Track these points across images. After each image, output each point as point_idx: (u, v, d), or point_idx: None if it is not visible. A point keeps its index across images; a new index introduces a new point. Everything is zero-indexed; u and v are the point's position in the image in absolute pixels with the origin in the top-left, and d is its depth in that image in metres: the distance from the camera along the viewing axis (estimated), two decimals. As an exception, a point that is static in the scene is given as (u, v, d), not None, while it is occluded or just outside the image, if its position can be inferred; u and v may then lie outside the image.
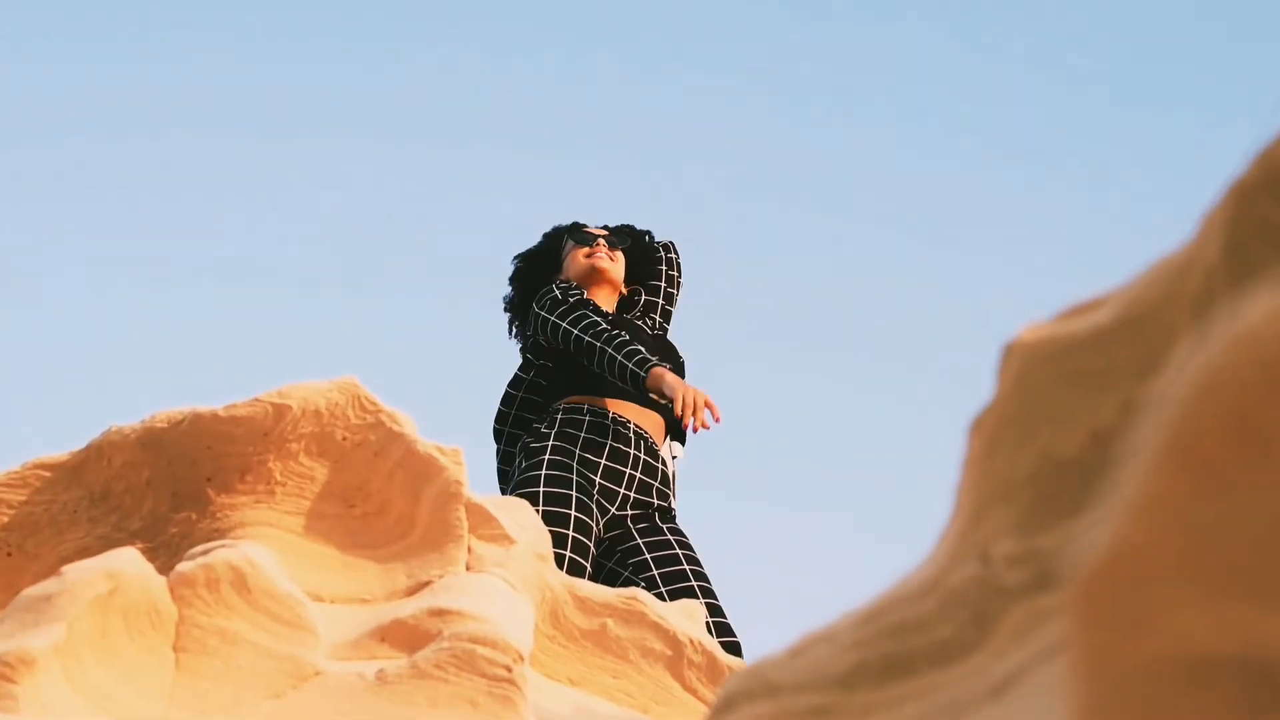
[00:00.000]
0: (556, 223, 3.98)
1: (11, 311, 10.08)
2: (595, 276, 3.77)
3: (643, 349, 3.33)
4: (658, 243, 3.95)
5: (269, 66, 10.91)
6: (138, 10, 10.51)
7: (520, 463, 3.38)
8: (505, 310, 3.94)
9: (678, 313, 3.95)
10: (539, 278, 3.85)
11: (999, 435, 0.79)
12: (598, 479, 3.33)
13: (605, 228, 3.96)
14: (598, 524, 3.26)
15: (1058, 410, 0.78)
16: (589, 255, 3.80)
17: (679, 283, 3.92)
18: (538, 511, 3.12)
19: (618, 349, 3.29)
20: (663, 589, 3.16)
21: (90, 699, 1.74)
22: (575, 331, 3.40)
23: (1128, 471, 0.39)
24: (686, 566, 3.23)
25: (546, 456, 3.30)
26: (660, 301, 3.86)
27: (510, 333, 3.90)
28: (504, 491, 3.49)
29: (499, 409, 3.64)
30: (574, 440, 3.36)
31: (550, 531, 3.04)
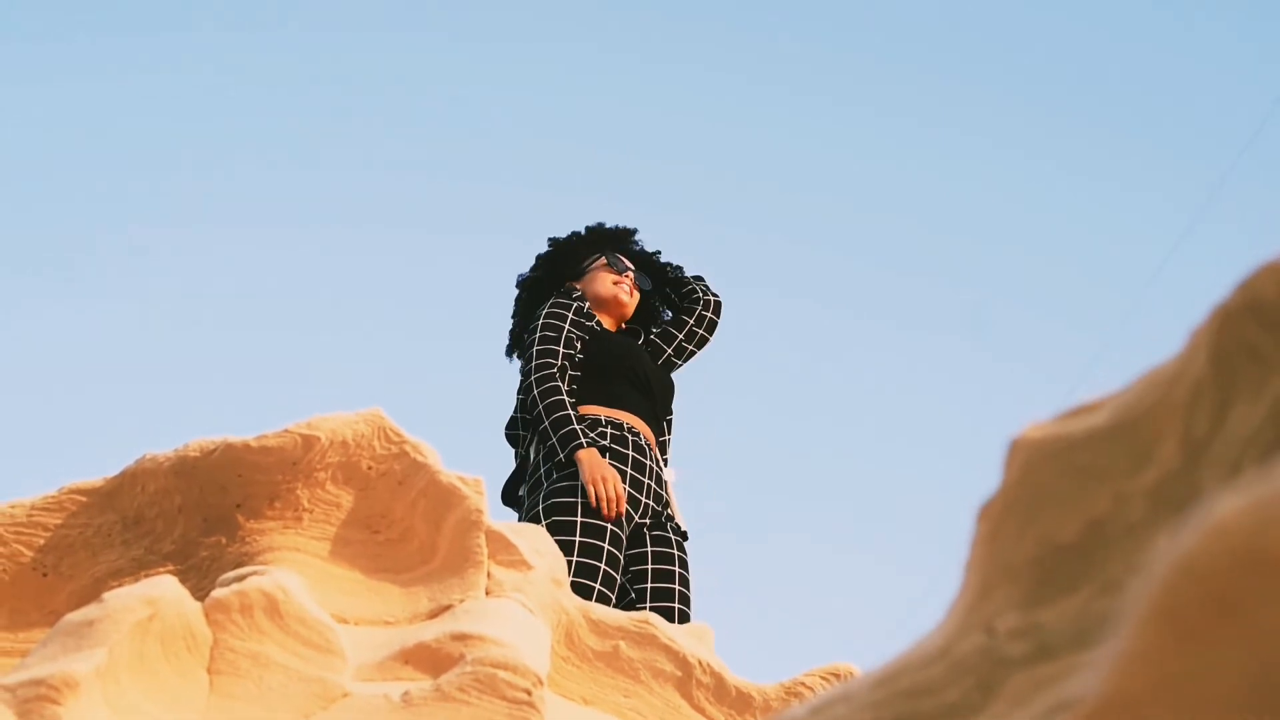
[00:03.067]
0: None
1: (51, 341, 10.24)
2: (613, 307, 3.82)
3: (573, 425, 3.40)
4: (703, 297, 3.89)
5: (295, 98, 10.99)
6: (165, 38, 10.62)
7: (549, 473, 3.40)
8: (513, 316, 3.92)
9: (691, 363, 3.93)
10: (549, 288, 3.85)
11: (1004, 521, 0.88)
12: (626, 488, 3.40)
13: (641, 252, 3.97)
14: (623, 544, 3.34)
15: (1057, 500, 0.86)
16: (617, 283, 3.82)
17: (704, 340, 3.89)
18: (575, 537, 3.21)
19: (555, 424, 3.38)
20: (648, 585, 3.28)
21: None
22: (535, 391, 3.47)
23: (1119, 627, 0.47)
24: (677, 586, 3.36)
25: (579, 502, 3.31)
26: (666, 347, 3.88)
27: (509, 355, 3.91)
28: (522, 481, 3.55)
29: (512, 416, 3.67)
30: (600, 452, 3.41)
31: (581, 563, 3.14)
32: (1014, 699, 0.89)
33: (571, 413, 3.40)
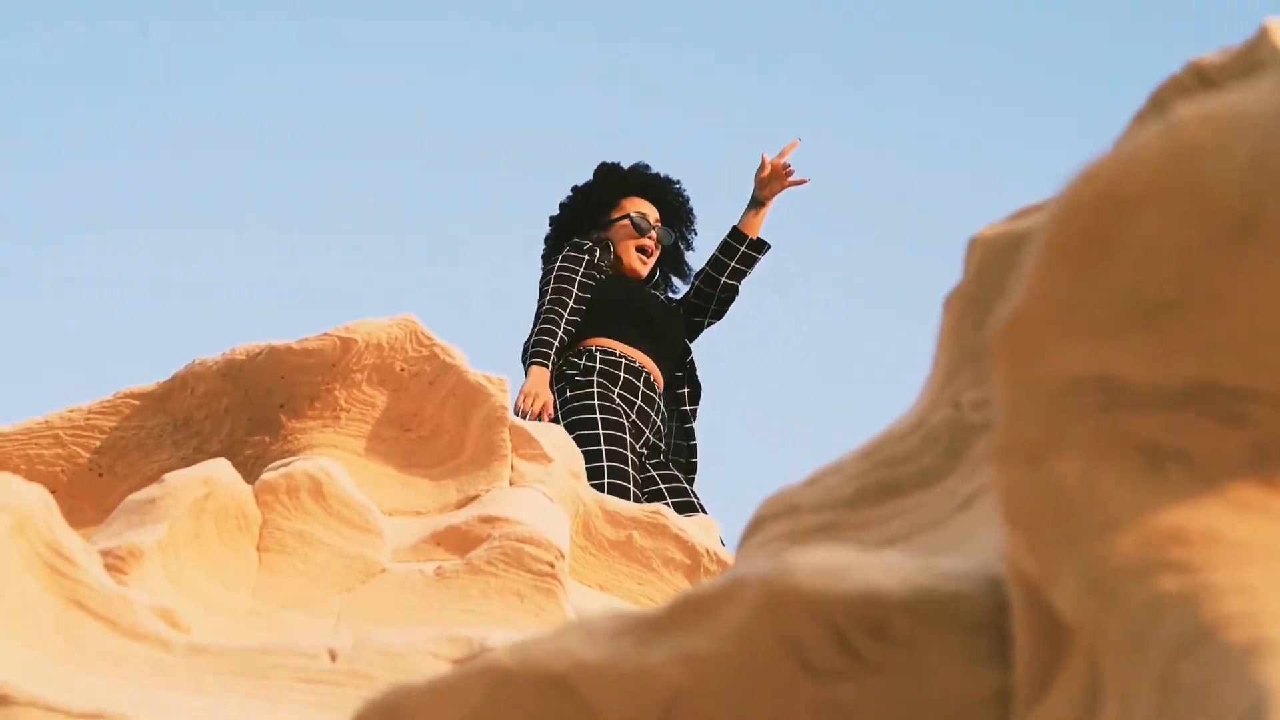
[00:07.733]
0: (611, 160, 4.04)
1: (107, 258, 10.74)
2: (631, 268, 3.95)
3: (549, 349, 3.66)
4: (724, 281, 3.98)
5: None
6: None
7: (563, 390, 3.64)
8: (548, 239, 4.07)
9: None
10: (582, 219, 3.98)
11: (965, 310, 1.05)
12: (633, 415, 3.63)
13: (672, 199, 4.03)
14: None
15: (1008, 289, 1.03)
16: (640, 247, 3.94)
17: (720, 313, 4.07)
18: (603, 463, 3.39)
19: (536, 342, 3.65)
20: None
21: (185, 592, 2.00)
22: (536, 325, 3.73)
23: (1025, 262, 0.64)
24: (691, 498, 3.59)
25: (597, 404, 3.56)
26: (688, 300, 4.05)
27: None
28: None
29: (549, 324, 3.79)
30: (614, 382, 3.65)
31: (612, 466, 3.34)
32: (976, 461, 1.07)
33: (555, 342, 3.64)
